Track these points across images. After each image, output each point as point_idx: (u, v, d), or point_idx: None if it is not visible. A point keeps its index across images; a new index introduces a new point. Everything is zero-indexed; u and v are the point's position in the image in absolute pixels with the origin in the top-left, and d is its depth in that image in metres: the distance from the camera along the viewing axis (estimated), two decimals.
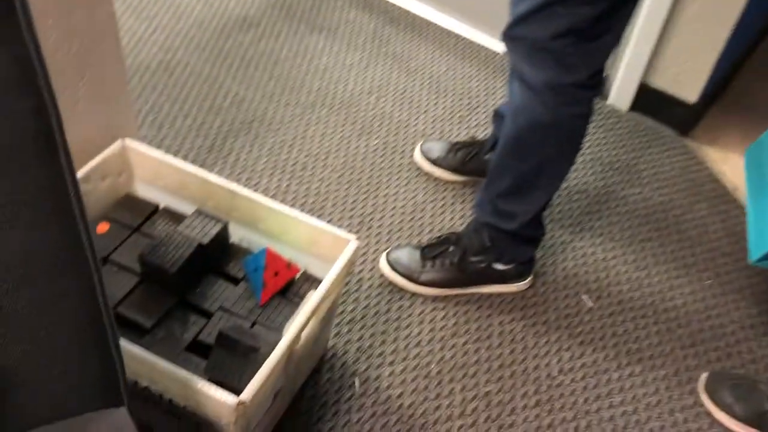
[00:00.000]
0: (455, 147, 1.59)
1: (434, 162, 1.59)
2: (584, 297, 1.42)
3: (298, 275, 1.13)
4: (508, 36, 1.12)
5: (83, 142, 1.15)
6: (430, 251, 1.37)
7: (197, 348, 1.02)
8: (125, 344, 0.91)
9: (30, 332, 0.63)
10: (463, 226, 1.41)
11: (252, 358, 0.95)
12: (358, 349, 1.26)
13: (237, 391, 0.89)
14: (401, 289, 1.37)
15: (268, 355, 0.92)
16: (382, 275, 1.38)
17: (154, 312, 1.04)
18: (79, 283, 0.65)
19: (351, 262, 1.07)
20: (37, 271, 0.62)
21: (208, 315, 1.06)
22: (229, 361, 0.96)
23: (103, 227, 1.13)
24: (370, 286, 1.37)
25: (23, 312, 0.62)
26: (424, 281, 1.35)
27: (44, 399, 0.66)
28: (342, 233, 1.08)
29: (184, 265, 1.04)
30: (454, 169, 1.58)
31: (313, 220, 1.10)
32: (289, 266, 1.10)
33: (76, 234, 0.63)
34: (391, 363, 1.25)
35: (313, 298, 0.99)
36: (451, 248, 1.36)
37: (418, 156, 1.62)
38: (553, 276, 1.45)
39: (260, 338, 0.98)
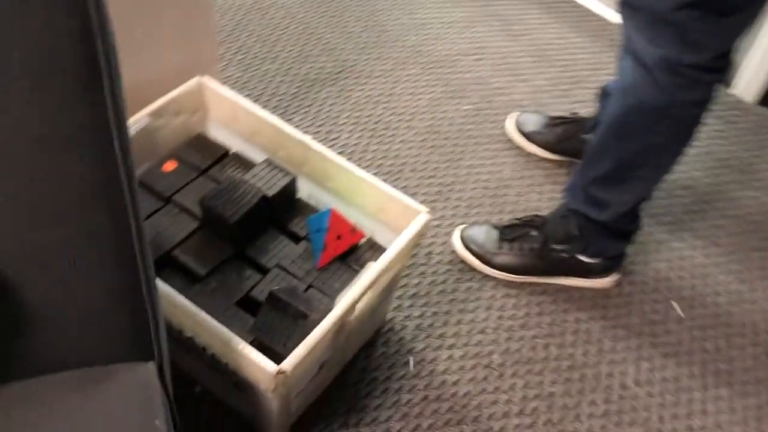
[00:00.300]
0: (553, 122, 1.46)
1: (528, 136, 1.47)
2: (674, 304, 1.28)
3: (362, 241, 1.06)
4: (625, 4, 0.99)
5: (161, 75, 1.11)
6: (509, 232, 1.26)
7: (248, 304, 0.97)
8: (171, 292, 0.87)
9: (55, 272, 0.59)
10: (550, 209, 1.29)
11: (300, 324, 0.89)
12: (417, 327, 1.18)
13: (280, 357, 0.83)
14: (472, 270, 1.27)
15: (318, 324, 0.86)
16: (453, 252, 1.29)
17: (208, 261, 0.99)
18: (112, 223, 0.59)
19: (419, 236, 0.98)
20: (67, 205, 0.57)
21: (263, 271, 1.01)
22: (277, 323, 0.90)
23: (170, 165, 1.09)
24: (438, 262, 1.28)
25: (49, 248, 0.58)
26: (498, 264, 1.25)
27: (66, 343, 0.62)
28: (413, 203, 0.99)
29: (245, 217, 0.99)
30: (549, 147, 1.46)
31: (384, 186, 1.02)
32: (353, 231, 1.03)
33: (113, 171, 0.57)
34: (451, 347, 1.16)
35: (373, 269, 0.92)
36: (533, 232, 1.25)
37: (510, 127, 1.50)
38: (643, 277, 1.31)
39: (312, 304, 0.92)
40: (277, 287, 0.93)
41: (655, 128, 1.05)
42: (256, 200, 1.00)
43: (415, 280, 1.25)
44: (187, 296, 0.93)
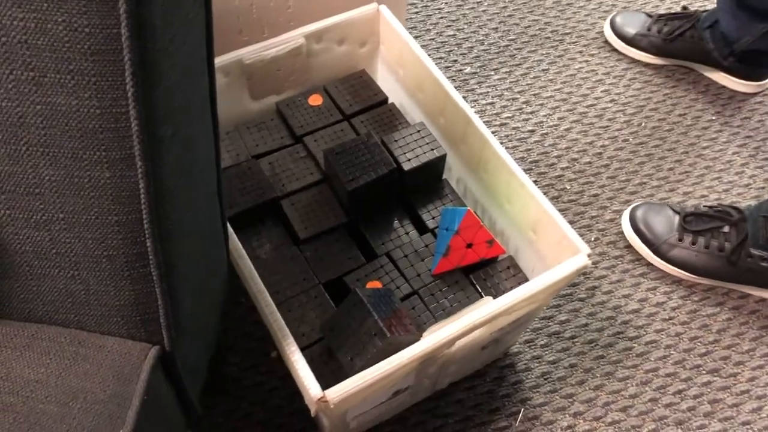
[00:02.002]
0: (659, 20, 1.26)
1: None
2: None
3: (500, 258, 0.83)
4: None
5: None
6: (694, 222, 1.00)
7: (338, 288, 0.80)
8: (248, 266, 0.73)
9: (44, 217, 0.46)
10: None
11: (376, 343, 0.71)
12: (543, 375, 0.94)
13: (342, 373, 0.67)
14: (639, 327, 0.99)
15: (396, 348, 0.67)
16: (620, 233, 1.04)
17: (315, 224, 0.84)
18: (115, 172, 0.44)
19: (569, 279, 0.73)
20: (60, 140, 0.43)
21: (370, 255, 0.83)
22: (353, 329, 0.73)
23: (316, 99, 0.94)
24: (601, 303, 1.01)
25: (38, 188, 0.45)
26: (673, 258, 0.99)
27: (53, 296, 0.50)
28: (575, 238, 0.74)
29: (365, 187, 0.81)
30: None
31: (548, 205, 0.77)
32: (490, 243, 0.81)
33: (121, 106, 0.42)
34: (576, 416, 0.91)
35: (493, 305, 0.70)
36: (726, 228, 0.97)
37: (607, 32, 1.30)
38: None
39: (401, 321, 0.73)
40: (364, 290, 0.75)
41: None
42: (387, 171, 0.81)
43: (564, 317, 0.99)
44: (275, 258, 0.80)
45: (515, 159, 1.14)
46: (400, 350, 0.69)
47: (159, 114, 0.44)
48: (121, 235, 0.47)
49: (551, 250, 0.78)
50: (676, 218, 1.02)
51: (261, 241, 0.84)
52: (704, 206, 1.04)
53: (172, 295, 0.52)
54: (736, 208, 1.00)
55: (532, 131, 1.19)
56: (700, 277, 1.01)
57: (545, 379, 0.94)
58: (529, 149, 1.16)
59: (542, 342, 0.97)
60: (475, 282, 0.81)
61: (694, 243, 0.99)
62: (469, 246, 0.80)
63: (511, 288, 0.80)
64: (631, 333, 0.98)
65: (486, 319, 0.69)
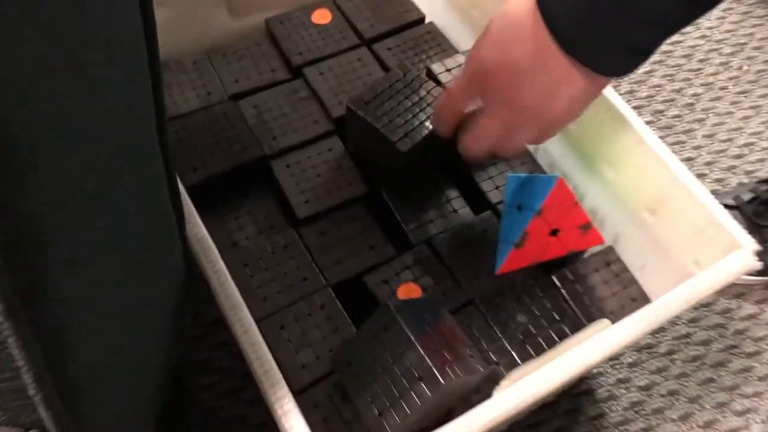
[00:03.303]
0: None
1: None
2: None
3: (595, 249, 0.56)
4: None
5: None
6: None
7: (355, 292, 0.54)
8: (211, 251, 0.46)
9: None
10: None
11: (422, 392, 0.44)
12: (634, 405, 0.68)
13: (361, 429, 0.41)
14: (758, 339, 0.73)
15: (453, 397, 0.41)
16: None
17: (319, 196, 0.56)
18: None
19: (722, 287, 0.47)
20: None
21: (402, 244, 0.56)
22: (383, 366, 0.46)
23: (322, 16, 0.66)
24: (717, 311, 0.75)
25: None
26: None
27: None
28: (733, 227, 0.47)
29: (424, 145, 0.53)
30: None
31: (689, 178, 0.50)
32: (585, 229, 0.54)
33: None
34: None
35: (620, 333, 0.43)
36: None
37: None
38: None
39: (458, 354, 0.46)
40: (397, 301, 0.48)
41: None
42: (428, 131, 0.54)
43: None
44: (262, 246, 0.53)
45: None
46: (455, 397, 0.43)
47: None
48: None
49: (682, 240, 0.51)
50: None
51: (241, 220, 0.57)
52: None
53: (39, 372, 0.26)
54: None
55: None
56: None
57: (636, 412, 0.68)
58: None
59: (630, 359, 0.71)
60: (561, 286, 0.54)
61: None
62: (554, 233, 0.53)
63: (614, 294, 0.54)
64: (749, 347, 0.72)
65: (601, 358, 0.43)
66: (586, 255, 0.57)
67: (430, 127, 0.53)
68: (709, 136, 0.87)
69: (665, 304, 0.45)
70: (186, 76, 0.62)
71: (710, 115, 0.88)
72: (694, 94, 0.90)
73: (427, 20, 0.67)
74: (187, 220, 0.48)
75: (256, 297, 0.51)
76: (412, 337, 0.44)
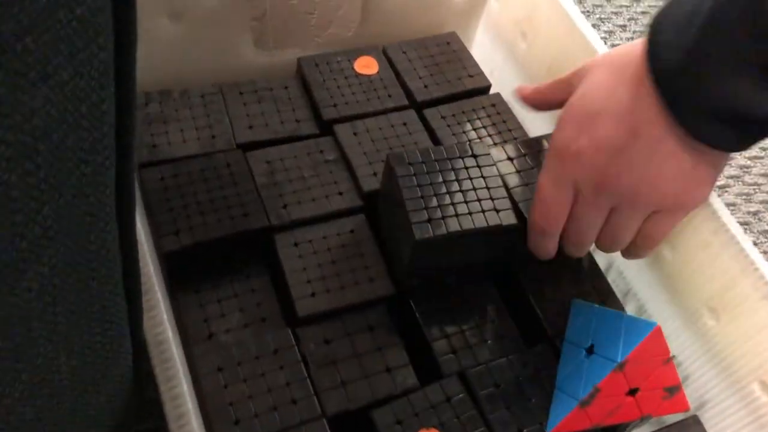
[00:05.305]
0: None
1: None
2: None
3: (676, 416, 0.43)
4: None
5: None
6: None
7: (362, 429, 0.40)
8: (168, 348, 0.33)
9: None
10: None
11: None
12: None
13: None
14: None
15: None
16: None
17: (330, 289, 0.44)
18: None
19: None
20: None
21: (429, 369, 0.43)
22: None
23: (367, 64, 0.54)
24: None
25: None
26: None
27: None
28: None
29: (450, 239, 0.41)
30: None
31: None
32: (672, 392, 0.41)
33: None
34: None
35: None
36: None
37: None
38: None
39: None
40: None
41: None
42: (501, 223, 0.42)
43: None
44: (246, 344, 0.41)
45: None
46: None
47: None
48: None
49: (751, 348, 0.38)
50: None
51: (225, 305, 0.44)
52: None
53: None
54: None
55: None
56: None
57: None
58: None
59: None
60: None
61: None
62: (633, 392, 0.40)
63: None
64: None
65: None
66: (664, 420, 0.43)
67: (467, 226, 0.41)
68: None
69: None
70: (189, 111, 0.50)
71: None
72: None
73: (493, 90, 0.55)
74: (150, 307, 0.35)
75: (225, 419, 0.38)
76: None
